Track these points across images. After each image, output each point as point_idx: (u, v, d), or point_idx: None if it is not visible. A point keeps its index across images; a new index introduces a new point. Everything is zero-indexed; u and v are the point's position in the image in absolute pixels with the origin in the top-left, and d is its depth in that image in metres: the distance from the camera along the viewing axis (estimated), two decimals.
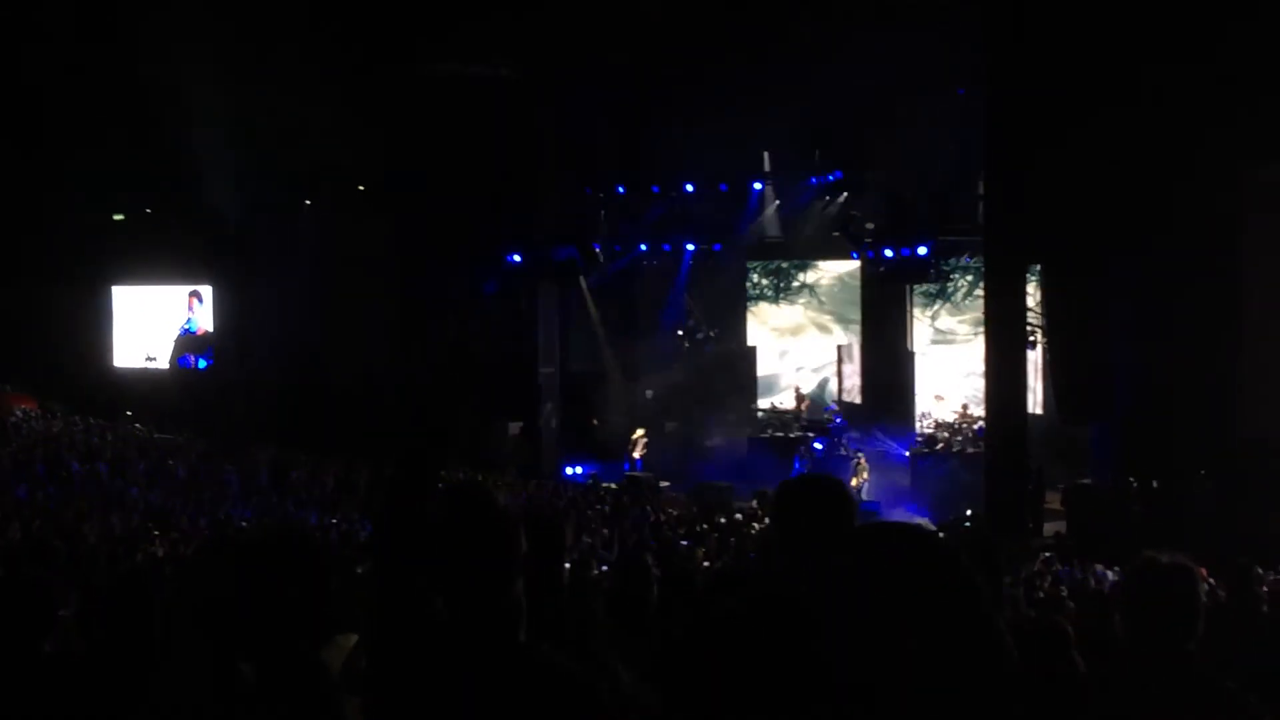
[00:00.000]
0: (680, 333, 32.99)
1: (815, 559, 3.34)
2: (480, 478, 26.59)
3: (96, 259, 37.13)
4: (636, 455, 30.26)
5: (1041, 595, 12.77)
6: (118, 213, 37.22)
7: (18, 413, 32.36)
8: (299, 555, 3.54)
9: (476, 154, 28.85)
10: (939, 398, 30.12)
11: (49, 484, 22.27)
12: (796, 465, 27.33)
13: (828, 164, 29.33)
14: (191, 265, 36.52)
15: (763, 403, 32.71)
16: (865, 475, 26.92)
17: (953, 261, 28.88)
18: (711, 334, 32.99)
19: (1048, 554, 18.84)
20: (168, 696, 3.50)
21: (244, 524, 19.09)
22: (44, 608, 4.24)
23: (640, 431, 30.72)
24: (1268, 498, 20.07)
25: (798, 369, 33.26)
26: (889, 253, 28.26)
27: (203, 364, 37.07)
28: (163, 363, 37.59)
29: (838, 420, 30.26)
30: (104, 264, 37.50)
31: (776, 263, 32.54)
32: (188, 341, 37.44)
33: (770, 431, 30.85)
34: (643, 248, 31.99)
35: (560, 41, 26.34)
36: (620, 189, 31.15)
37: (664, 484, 28.44)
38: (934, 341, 30.82)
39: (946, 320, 30.61)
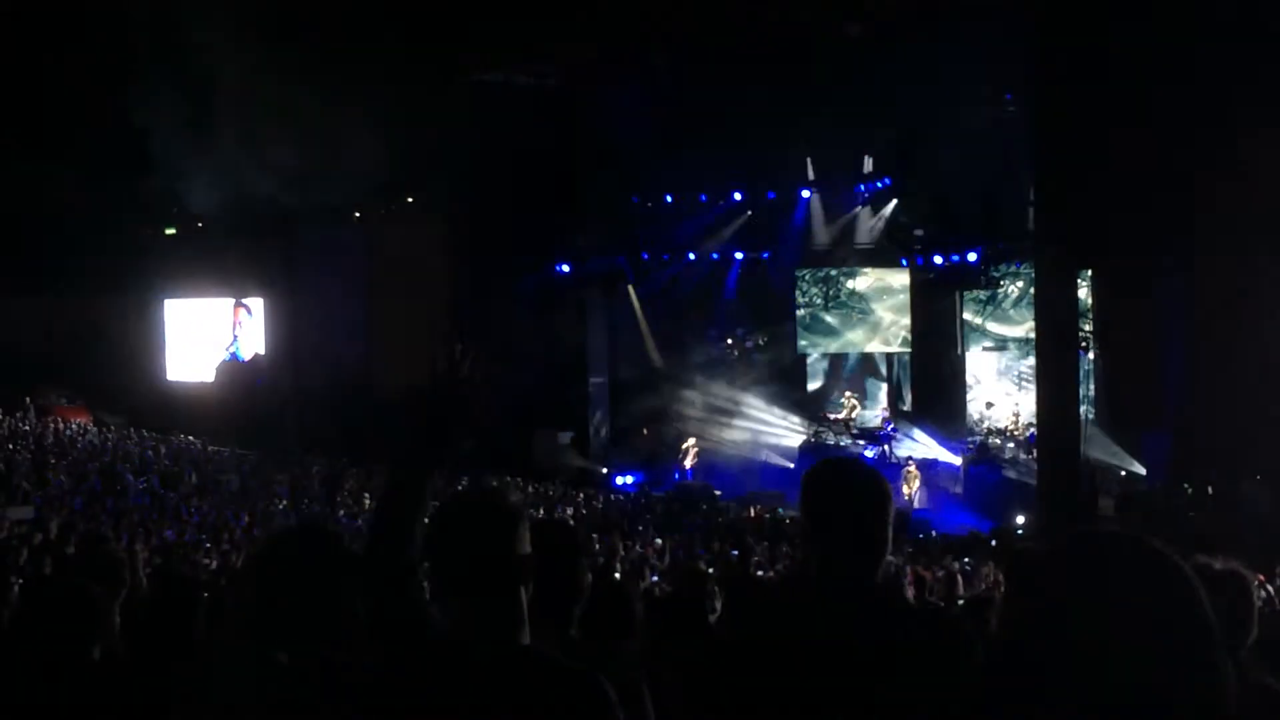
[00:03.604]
0: (729, 341, 32.98)
1: (857, 552, 3.32)
2: (532, 488, 26.72)
3: (149, 273, 37.44)
4: (688, 464, 30.25)
5: None
6: (170, 227, 37.53)
7: (73, 426, 32.65)
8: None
9: (524, 163, 28.90)
10: (990, 404, 29.98)
11: (105, 497, 22.43)
12: None
13: (876, 171, 29.25)
14: (241, 278, 36.78)
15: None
16: (916, 483, 26.81)
17: (1003, 268, 28.69)
18: (760, 342, 32.95)
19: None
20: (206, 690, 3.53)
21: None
22: (94, 616, 4.28)
23: (691, 440, 30.72)
24: None
25: (848, 377, 33.20)
26: (938, 259, 28.15)
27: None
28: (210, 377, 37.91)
29: (889, 428, 30.14)
30: (156, 278, 37.81)
31: (825, 270, 32.43)
32: (235, 371, 37.66)
33: (821, 440, 30.77)
34: (691, 256, 31.96)
35: (606, 50, 26.37)
36: (668, 198, 31.16)
37: (716, 493, 28.43)
38: (985, 348, 30.64)
39: (998, 326, 30.40)
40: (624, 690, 3.02)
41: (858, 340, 32.57)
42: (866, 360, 33.23)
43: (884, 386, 32.87)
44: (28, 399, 34.40)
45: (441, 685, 2.98)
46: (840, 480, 3.41)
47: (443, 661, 3.02)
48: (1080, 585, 2.07)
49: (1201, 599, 2.06)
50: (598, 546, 16.85)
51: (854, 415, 31.59)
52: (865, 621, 3.20)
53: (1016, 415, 28.86)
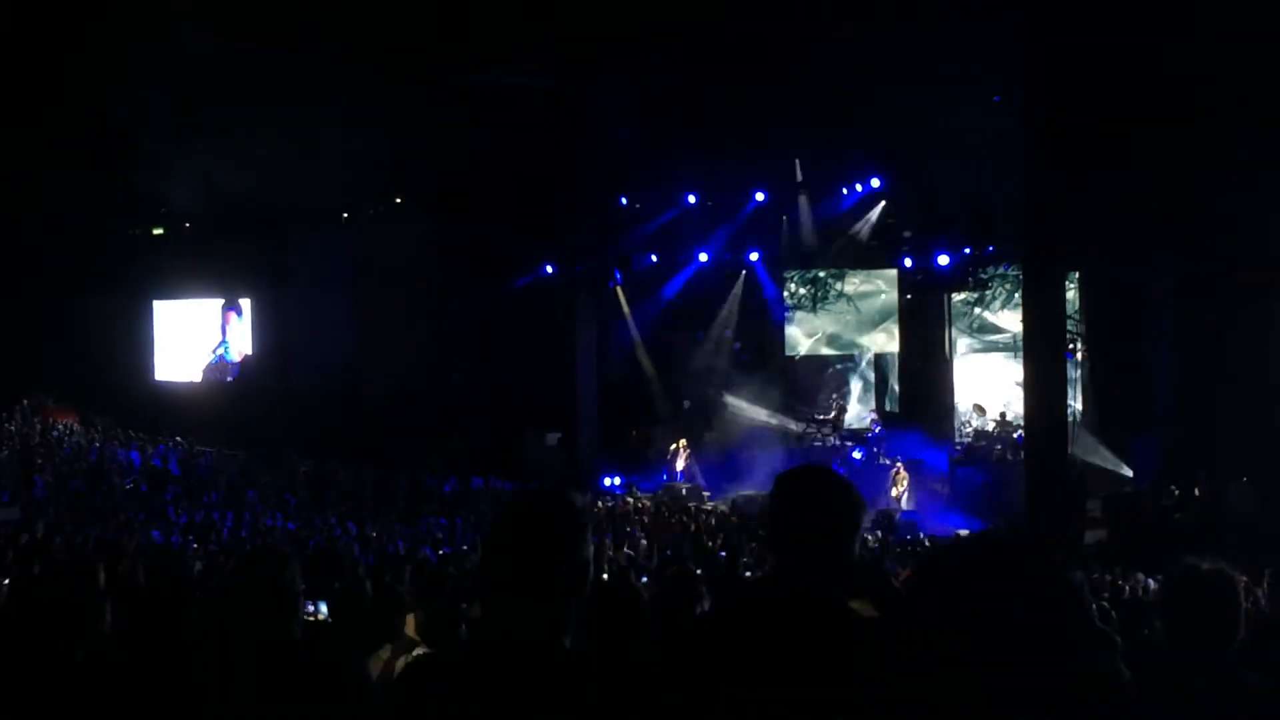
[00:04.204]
0: (717, 342, 32.94)
1: (821, 562, 3.30)
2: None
3: (137, 273, 37.38)
4: (678, 466, 30.23)
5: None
6: (158, 227, 37.47)
7: (59, 426, 32.59)
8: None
9: (513, 165, 28.89)
10: (978, 407, 29.99)
11: (91, 497, 22.39)
12: None
13: (865, 172, 29.25)
14: (230, 279, 36.74)
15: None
16: (904, 485, 26.83)
17: (991, 269, 28.70)
18: (749, 343, 32.91)
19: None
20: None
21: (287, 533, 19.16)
22: (78, 619, 4.26)
23: (682, 442, 30.69)
24: None
25: (836, 379, 33.21)
26: (927, 261, 28.15)
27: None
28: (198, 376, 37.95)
29: (877, 429, 30.14)
30: (145, 278, 37.74)
31: (814, 272, 32.39)
32: (223, 372, 37.71)
33: (810, 441, 30.76)
34: (680, 258, 31.93)
35: (596, 52, 26.36)
36: (657, 199, 31.12)
37: (705, 494, 28.44)
38: (973, 350, 30.65)
39: (985, 328, 30.40)
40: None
41: (846, 342, 32.56)
42: (855, 362, 33.24)
43: (872, 388, 32.87)
44: (25, 401, 34.36)
45: (485, 687, 2.97)
46: (804, 490, 3.38)
47: (486, 663, 3.01)
48: (956, 589, 2.09)
49: (1085, 605, 2.09)
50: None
51: (842, 416, 31.60)
52: (819, 630, 3.17)
53: (1003, 417, 28.89)
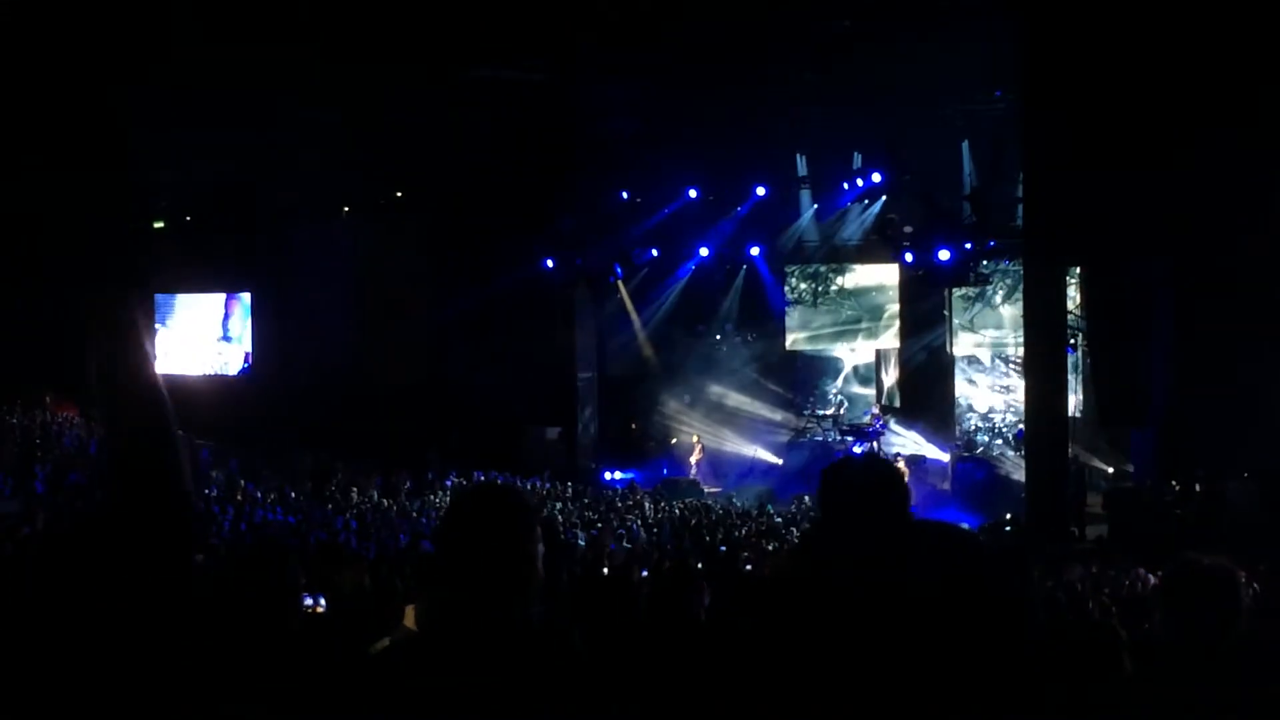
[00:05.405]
0: (718, 337, 32.97)
1: (863, 550, 3.29)
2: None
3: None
4: (693, 460, 30.26)
5: (1089, 601, 12.71)
6: (158, 220, 37.42)
7: (59, 419, 32.56)
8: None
9: (512, 159, 28.87)
10: (979, 403, 30.03)
11: (90, 490, 22.34)
12: None
13: (865, 167, 29.23)
14: (231, 273, 36.70)
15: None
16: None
17: (991, 264, 28.68)
18: (749, 338, 32.93)
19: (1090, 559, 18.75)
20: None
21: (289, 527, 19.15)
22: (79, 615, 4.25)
23: (696, 437, 30.74)
24: None
25: (839, 373, 33.24)
26: (928, 256, 28.14)
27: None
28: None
29: (878, 424, 30.15)
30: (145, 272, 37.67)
31: (814, 267, 32.39)
32: (222, 365, 37.80)
33: (810, 436, 30.78)
34: (680, 252, 31.92)
35: (594, 45, 26.30)
36: (656, 193, 31.08)
37: (713, 490, 28.47)
38: (975, 345, 30.64)
39: (986, 324, 30.37)
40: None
41: (846, 336, 32.55)
42: (855, 356, 33.24)
43: (873, 382, 32.87)
44: (47, 398, 34.35)
45: (431, 679, 2.98)
46: (850, 476, 3.41)
47: (432, 655, 3.02)
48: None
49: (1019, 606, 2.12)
50: (583, 543, 16.85)
51: (842, 411, 31.61)
52: (869, 616, 3.15)
53: (1004, 412, 28.90)
